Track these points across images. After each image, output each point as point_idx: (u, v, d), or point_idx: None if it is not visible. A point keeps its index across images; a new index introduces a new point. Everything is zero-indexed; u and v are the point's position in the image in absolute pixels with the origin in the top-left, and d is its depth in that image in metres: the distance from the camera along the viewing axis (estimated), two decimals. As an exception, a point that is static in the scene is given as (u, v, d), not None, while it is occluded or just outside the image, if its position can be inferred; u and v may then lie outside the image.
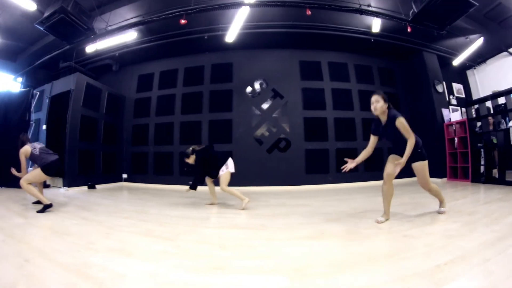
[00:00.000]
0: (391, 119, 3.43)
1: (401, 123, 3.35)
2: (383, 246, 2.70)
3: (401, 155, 3.42)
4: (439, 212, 3.83)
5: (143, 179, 9.57)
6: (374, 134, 3.73)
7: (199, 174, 5.11)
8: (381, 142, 8.48)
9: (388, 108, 3.52)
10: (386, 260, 2.27)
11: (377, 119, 3.66)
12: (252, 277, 2.06)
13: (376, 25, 7.61)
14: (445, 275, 1.91)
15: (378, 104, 3.47)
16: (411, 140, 3.35)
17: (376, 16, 7.28)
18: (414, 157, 3.49)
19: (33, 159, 4.85)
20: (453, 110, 9.46)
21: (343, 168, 3.63)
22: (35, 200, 5.16)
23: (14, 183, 7.75)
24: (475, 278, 1.90)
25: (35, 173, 4.79)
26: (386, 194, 3.62)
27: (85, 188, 8.23)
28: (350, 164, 3.63)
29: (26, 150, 4.84)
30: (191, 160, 5.18)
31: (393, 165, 3.51)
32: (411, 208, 4.30)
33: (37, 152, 4.86)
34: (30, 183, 4.72)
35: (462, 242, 2.61)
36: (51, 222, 3.96)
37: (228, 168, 5.03)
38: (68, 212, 4.65)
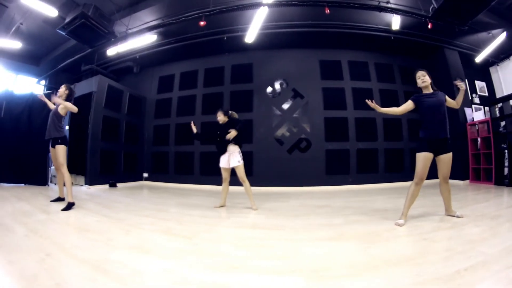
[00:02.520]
0: (440, 93, 3.82)
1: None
2: (402, 249, 2.66)
3: (434, 136, 3.65)
4: (458, 216, 3.77)
5: (164, 178, 9.74)
6: (414, 101, 3.85)
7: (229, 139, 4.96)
8: (402, 143, 8.40)
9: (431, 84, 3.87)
10: (406, 264, 2.24)
11: (420, 92, 3.92)
12: (268, 277, 2.07)
13: (395, 22, 7.50)
14: (465, 281, 1.87)
15: (426, 78, 3.82)
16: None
17: (396, 13, 7.16)
18: (447, 148, 3.69)
19: (60, 118, 5.00)
20: (476, 109, 9.22)
21: (368, 100, 3.90)
22: (54, 198, 5.38)
23: (37, 180, 8.08)
24: (496, 285, 1.84)
25: (63, 152, 4.90)
26: (413, 195, 3.66)
27: (106, 186, 8.45)
28: (373, 104, 3.85)
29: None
30: (225, 119, 5.12)
31: (426, 167, 3.62)
32: (432, 211, 4.21)
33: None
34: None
35: (484, 247, 2.54)
36: (73, 218, 4.05)
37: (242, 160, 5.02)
38: (89, 209, 4.75)
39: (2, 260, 2.27)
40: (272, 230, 3.53)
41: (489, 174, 7.86)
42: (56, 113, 4.95)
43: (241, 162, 4.95)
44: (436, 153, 3.69)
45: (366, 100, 3.85)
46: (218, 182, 7.46)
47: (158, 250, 2.68)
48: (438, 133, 3.65)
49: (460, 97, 3.84)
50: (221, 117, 5.12)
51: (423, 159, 3.63)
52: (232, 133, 4.85)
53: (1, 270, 2.11)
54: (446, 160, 3.70)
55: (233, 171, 5.06)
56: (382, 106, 3.75)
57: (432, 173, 3.65)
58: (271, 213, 4.58)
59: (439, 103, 3.71)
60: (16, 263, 2.21)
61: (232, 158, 4.96)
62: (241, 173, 4.91)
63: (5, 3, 7.18)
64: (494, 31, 8.33)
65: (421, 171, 3.61)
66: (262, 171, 8.37)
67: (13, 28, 7.86)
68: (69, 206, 4.59)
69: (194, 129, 5.29)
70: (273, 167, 8.51)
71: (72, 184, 7.66)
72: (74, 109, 4.91)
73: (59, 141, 4.89)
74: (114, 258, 2.40)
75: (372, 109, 3.96)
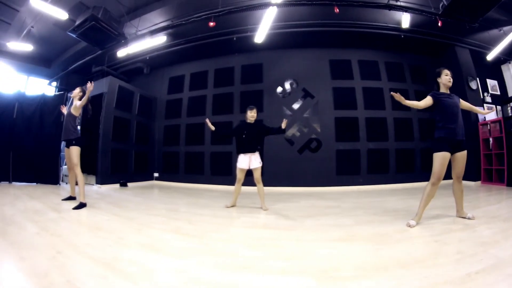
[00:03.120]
0: (456, 96, 3.88)
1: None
2: (413, 251, 2.61)
3: (453, 136, 3.63)
4: (470, 218, 3.72)
5: (174, 178, 9.83)
6: (433, 97, 3.78)
7: (251, 137, 5.00)
8: (413, 143, 8.29)
9: None
10: (416, 266, 2.22)
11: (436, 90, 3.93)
12: (279, 278, 2.07)
13: (405, 20, 7.43)
14: (477, 285, 1.84)
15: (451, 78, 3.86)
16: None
17: (405, 11, 7.05)
18: (462, 146, 3.70)
19: (74, 119, 5.14)
20: (488, 108, 9.06)
21: (392, 92, 3.75)
22: (65, 197, 5.49)
23: (49, 179, 8.21)
24: (507, 290, 1.79)
25: (77, 153, 4.96)
26: (429, 195, 3.63)
27: (117, 186, 8.57)
28: (397, 95, 3.68)
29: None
30: (255, 115, 5.09)
31: (443, 167, 3.59)
32: (444, 212, 4.17)
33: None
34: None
35: (496, 250, 2.50)
36: (84, 217, 4.12)
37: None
38: (100, 208, 4.82)
39: (14, 257, 2.33)
40: (283, 230, 3.54)
41: (501, 175, 7.73)
42: (70, 114, 5.07)
43: (261, 163, 4.99)
44: (452, 152, 3.67)
45: (391, 93, 3.75)
46: (229, 182, 7.52)
47: (169, 249, 2.72)
48: (457, 134, 3.64)
49: (477, 110, 4.26)
50: (255, 115, 5.10)
51: (441, 159, 3.60)
52: (285, 122, 4.97)
53: (13, 267, 2.15)
54: (461, 158, 3.69)
55: (247, 172, 5.07)
56: (393, 105, 3.72)
57: (445, 173, 3.61)
58: (281, 214, 4.57)
59: (456, 104, 3.73)
60: (27, 260, 2.26)
61: (253, 160, 4.97)
62: (258, 175, 4.95)
63: (16, 7, 7.29)
64: (505, 28, 8.18)
65: (438, 171, 3.58)
66: (272, 172, 8.36)
67: (25, 31, 7.98)
68: (81, 205, 4.67)
69: (212, 127, 5.24)
70: (284, 167, 8.51)
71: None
72: (83, 103, 4.98)
73: (73, 142, 4.97)
74: (125, 257, 2.44)
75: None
